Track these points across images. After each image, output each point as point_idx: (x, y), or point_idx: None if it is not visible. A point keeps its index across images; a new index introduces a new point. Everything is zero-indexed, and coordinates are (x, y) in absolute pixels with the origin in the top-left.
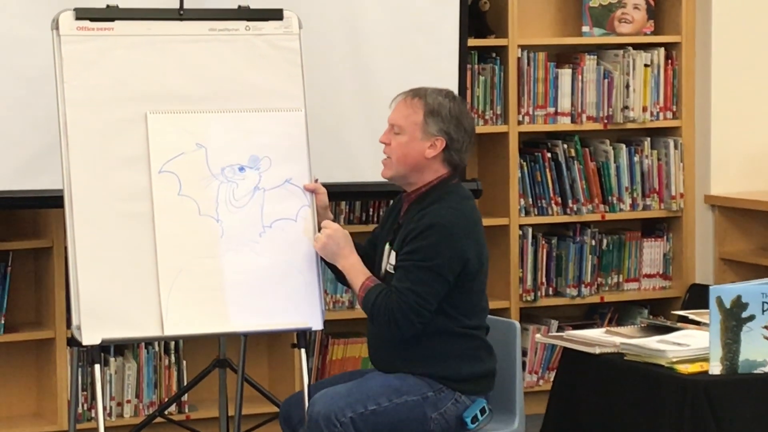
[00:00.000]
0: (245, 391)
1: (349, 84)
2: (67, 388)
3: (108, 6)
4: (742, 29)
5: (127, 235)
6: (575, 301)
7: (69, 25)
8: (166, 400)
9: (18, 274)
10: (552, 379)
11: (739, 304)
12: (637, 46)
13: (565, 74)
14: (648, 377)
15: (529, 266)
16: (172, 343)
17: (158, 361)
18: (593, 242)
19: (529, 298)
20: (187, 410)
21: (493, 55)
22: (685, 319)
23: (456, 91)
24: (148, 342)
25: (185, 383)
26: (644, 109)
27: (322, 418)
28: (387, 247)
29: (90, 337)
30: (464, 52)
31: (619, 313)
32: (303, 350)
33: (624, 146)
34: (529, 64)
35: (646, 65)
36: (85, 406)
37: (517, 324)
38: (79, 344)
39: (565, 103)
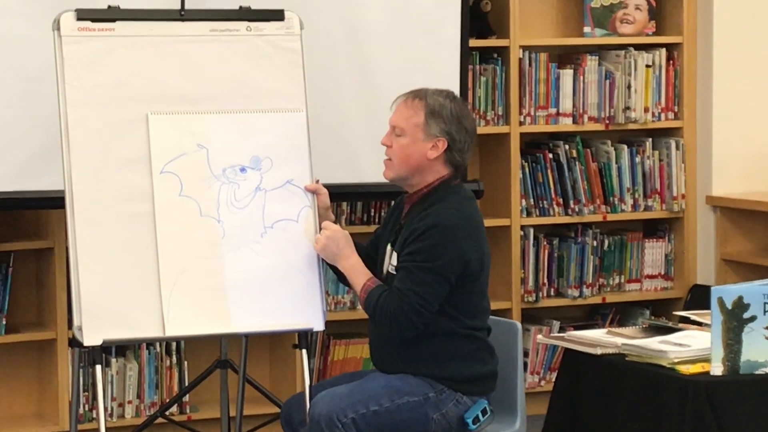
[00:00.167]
0: (246, 392)
1: (351, 84)
2: (69, 389)
3: (109, 6)
4: (743, 30)
5: (129, 235)
6: (577, 302)
7: (70, 25)
8: (168, 400)
9: (19, 275)
10: (553, 380)
11: (740, 305)
12: (639, 47)
13: (567, 75)
14: (649, 378)
15: (531, 267)
16: (174, 344)
17: (159, 362)
18: (595, 243)
19: (530, 299)
20: (188, 411)
21: (495, 55)
22: (686, 320)
23: (457, 92)
24: (150, 343)
25: (186, 384)
26: (646, 110)
27: (324, 418)
28: (389, 248)
29: (91, 338)
30: (466, 53)
31: (620, 314)
32: (304, 351)
33: (625, 147)
34: (530, 64)
35: (647, 66)
36: (87, 406)
37: (519, 325)
38: (80, 345)
39: (566, 103)
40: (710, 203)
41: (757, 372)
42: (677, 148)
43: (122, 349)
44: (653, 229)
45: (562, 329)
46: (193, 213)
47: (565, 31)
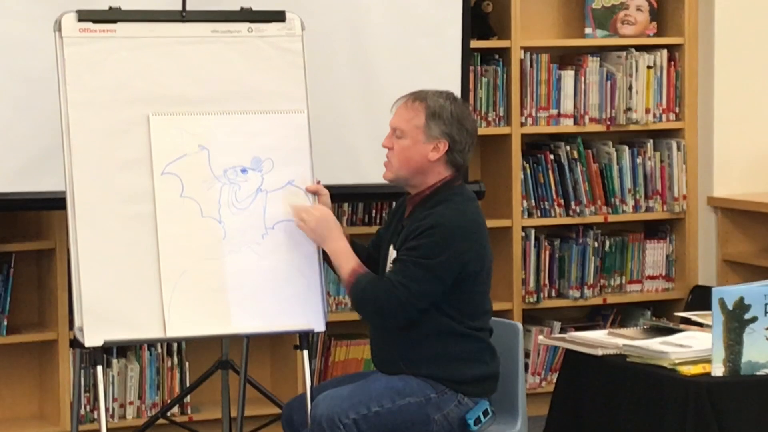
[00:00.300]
0: (248, 393)
1: (352, 85)
2: (70, 390)
3: (110, 8)
4: (744, 31)
5: (130, 236)
6: (578, 303)
7: (71, 26)
8: (169, 401)
9: (20, 276)
10: (555, 381)
11: (741, 306)
12: (640, 48)
13: (568, 76)
14: (650, 379)
15: (532, 268)
16: (175, 345)
17: (161, 363)
18: (596, 244)
19: (531, 300)
20: (189, 412)
21: (496, 56)
22: (687, 321)
23: (459, 93)
24: (151, 343)
25: (188, 385)
26: (647, 111)
27: (325, 419)
28: (390, 249)
29: (92, 339)
30: (467, 54)
31: (621, 315)
32: (305, 352)
33: (627, 148)
34: (531, 65)
35: (648, 67)
36: (88, 407)
37: (520, 326)
38: (81, 346)
39: (567, 104)
40: (711, 204)
41: (758, 373)
42: (678, 149)
43: (123, 349)
44: (654, 230)
45: (563, 330)
46: (194, 214)
47: (566, 32)
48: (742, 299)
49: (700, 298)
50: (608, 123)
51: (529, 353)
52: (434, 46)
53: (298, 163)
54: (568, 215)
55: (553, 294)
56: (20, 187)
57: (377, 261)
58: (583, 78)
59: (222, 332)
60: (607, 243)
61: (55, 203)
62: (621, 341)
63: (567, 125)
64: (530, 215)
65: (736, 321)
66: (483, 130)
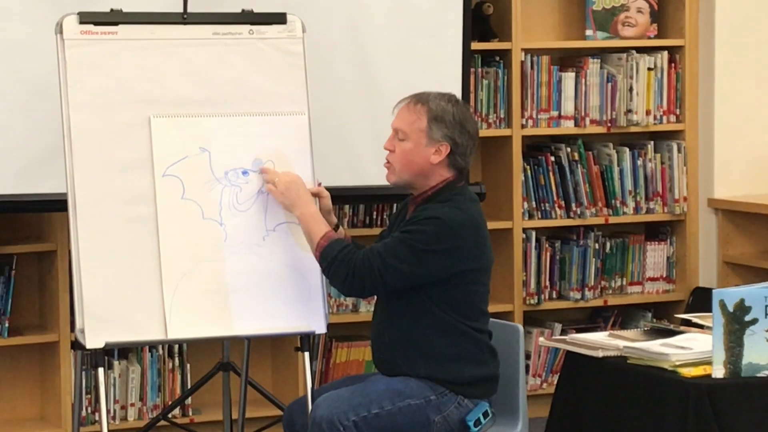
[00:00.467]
0: (249, 395)
1: (353, 87)
2: (71, 392)
3: (112, 10)
4: (745, 32)
5: (131, 238)
6: (579, 305)
7: (73, 29)
8: (170, 403)
9: (22, 278)
10: (555, 383)
11: (742, 308)
12: (641, 50)
13: (569, 78)
14: (651, 381)
15: (533, 269)
16: (176, 347)
17: (162, 365)
18: (597, 245)
19: (532, 302)
20: (190, 413)
21: (497, 58)
22: (688, 323)
23: (459, 95)
24: (152, 345)
25: (189, 386)
26: (648, 113)
27: (326, 421)
28: None
29: (94, 341)
30: (468, 56)
31: (622, 317)
32: (306, 354)
33: (627, 150)
34: (532, 67)
35: (649, 69)
36: (89, 409)
37: (521, 327)
38: (82, 347)
39: (568, 106)
40: (712, 206)
41: (758, 375)
42: (679, 150)
43: (124, 351)
44: (655, 231)
45: (563, 332)
46: (195, 216)
47: (567, 34)
48: (742, 301)
49: (701, 299)
50: (609, 125)
51: (529, 355)
52: (435, 48)
53: (299, 165)
54: (568, 217)
55: (554, 296)
56: (21, 188)
57: None
58: (583, 80)
59: (223, 334)
60: (608, 245)
61: (56, 205)
62: (622, 343)
63: (568, 127)
64: (531, 217)
65: (737, 323)
66: (484, 132)
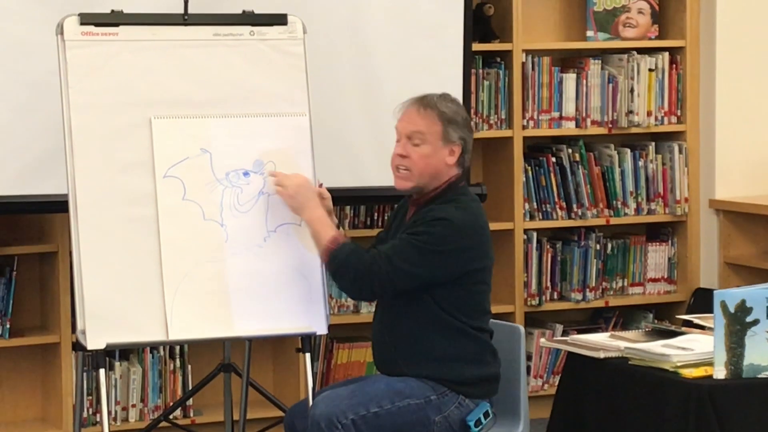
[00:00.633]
0: (250, 396)
1: (354, 88)
2: (72, 393)
3: (113, 11)
4: (746, 33)
5: (132, 239)
6: (580, 306)
7: (74, 30)
8: (171, 404)
9: (23, 279)
10: (556, 384)
11: (743, 309)
12: (642, 51)
13: (570, 79)
14: (652, 382)
15: (534, 270)
16: (177, 348)
17: (163, 366)
18: (598, 246)
19: (533, 303)
20: (192, 415)
21: (498, 59)
22: (689, 324)
23: (460, 96)
24: (153, 346)
25: (190, 387)
26: (649, 114)
27: (324, 419)
28: None
29: (95, 342)
30: (469, 57)
31: (623, 318)
32: (308, 355)
33: (628, 151)
34: (533, 68)
35: (650, 70)
36: (90, 410)
37: (522, 328)
38: (84, 349)
39: (569, 107)
40: (713, 207)
41: (759, 376)
42: (680, 151)
43: (126, 352)
44: (656, 232)
45: (565, 333)
46: (196, 217)
47: (568, 35)
48: (743, 302)
49: (702, 300)
50: (610, 126)
51: (531, 356)
52: (436, 49)
53: (299, 166)
54: (569, 218)
55: (555, 297)
56: (22, 190)
57: None
58: (584, 81)
59: (224, 335)
60: (609, 246)
61: (58, 206)
62: (623, 344)
63: (569, 128)
64: (532, 218)
65: (738, 324)
66: (485, 133)
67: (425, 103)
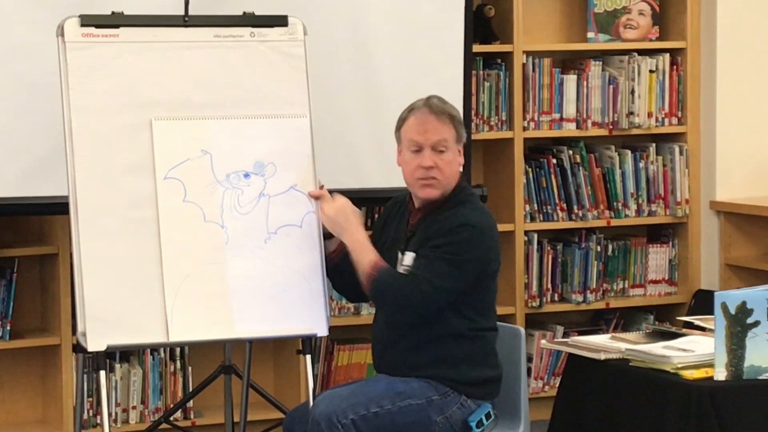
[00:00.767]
0: (251, 397)
1: (354, 90)
2: (73, 395)
3: (113, 13)
4: (747, 34)
5: (132, 241)
6: (580, 307)
7: (74, 31)
8: (172, 406)
9: (23, 281)
10: (557, 385)
11: (744, 310)
12: (642, 52)
13: (570, 80)
14: (653, 383)
15: (535, 272)
16: (178, 350)
17: (164, 368)
18: (599, 248)
19: (534, 304)
20: (192, 416)
21: (498, 61)
22: (690, 325)
23: (461, 97)
24: (154, 348)
25: (191, 389)
26: (649, 115)
27: (324, 419)
28: (404, 255)
29: (95, 344)
30: (469, 58)
31: (624, 319)
32: (308, 356)
33: (629, 152)
34: (534, 70)
35: (651, 71)
36: (91, 412)
37: (523, 330)
38: (84, 350)
39: (570, 109)
40: (714, 208)
41: (760, 377)
42: (681, 153)
43: (126, 354)
44: (657, 234)
45: (565, 334)
46: (196, 218)
47: (568, 36)
48: (744, 303)
49: (703, 302)
50: (611, 127)
51: (531, 357)
52: (436, 51)
53: (300, 168)
54: (570, 219)
55: (556, 298)
56: (23, 192)
57: None
58: (585, 82)
59: (225, 337)
60: (610, 247)
61: (58, 208)
62: (623, 345)
63: (569, 129)
64: (533, 219)
65: (739, 325)
66: (485, 135)
67: (437, 109)
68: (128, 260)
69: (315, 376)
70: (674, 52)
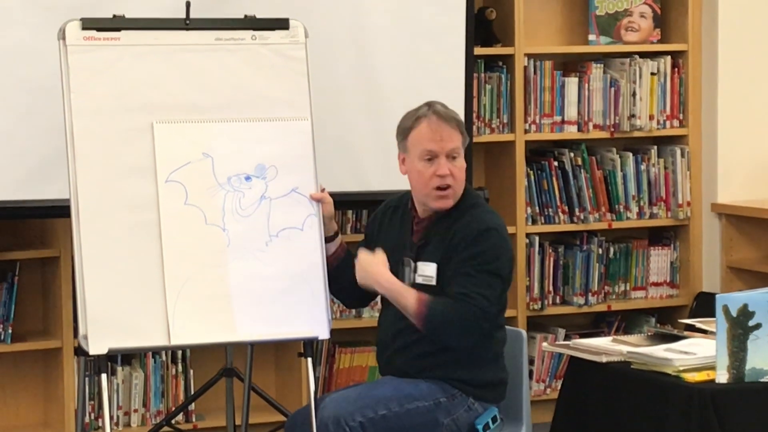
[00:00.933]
0: (252, 400)
1: (356, 92)
2: (75, 398)
3: (114, 16)
4: (748, 37)
5: (134, 244)
6: (582, 310)
7: (76, 35)
8: (173, 409)
9: (25, 284)
10: (559, 388)
11: (745, 313)
12: (644, 55)
13: (572, 83)
14: (655, 386)
15: (536, 275)
16: (179, 352)
17: (165, 370)
18: (600, 251)
19: (536, 307)
20: (194, 419)
21: (500, 63)
22: (692, 328)
23: (462, 100)
24: (155, 351)
25: (192, 392)
26: (651, 118)
27: (332, 421)
28: (412, 264)
29: (97, 347)
30: (471, 61)
31: (626, 322)
32: (310, 359)
33: (631, 154)
34: (535, 72)
35: (652, 73)
36: (92, 415)
37: (524, 332)
38: (86, 354)
39: (571, 111)
40: (715, 211)
41: (762, 380)
42: (682, 155)
43: (128, 357)
44: (658, 236)
45: (567, 337)
46: (198, 221)
47: (569, 39)
48: (746, 306)
49: (705, 304)
50: (612, 130)
51: (533, 360)
52: (438, 53)
53: (301, 171)
54: (572, 222)
55: (558, 301)
56: (24, 195)
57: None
58: (586, 85)
59: (226, 340)
60: (612, 250)
61: (59, 211)
62: (625, 348)
63: (571, 132)
64: (534, 222)
65: (740, 328)
66: (487, 137)
67: (445, 116)
68: (130, 263)
69: (317, 379)
70: (675, 55)
